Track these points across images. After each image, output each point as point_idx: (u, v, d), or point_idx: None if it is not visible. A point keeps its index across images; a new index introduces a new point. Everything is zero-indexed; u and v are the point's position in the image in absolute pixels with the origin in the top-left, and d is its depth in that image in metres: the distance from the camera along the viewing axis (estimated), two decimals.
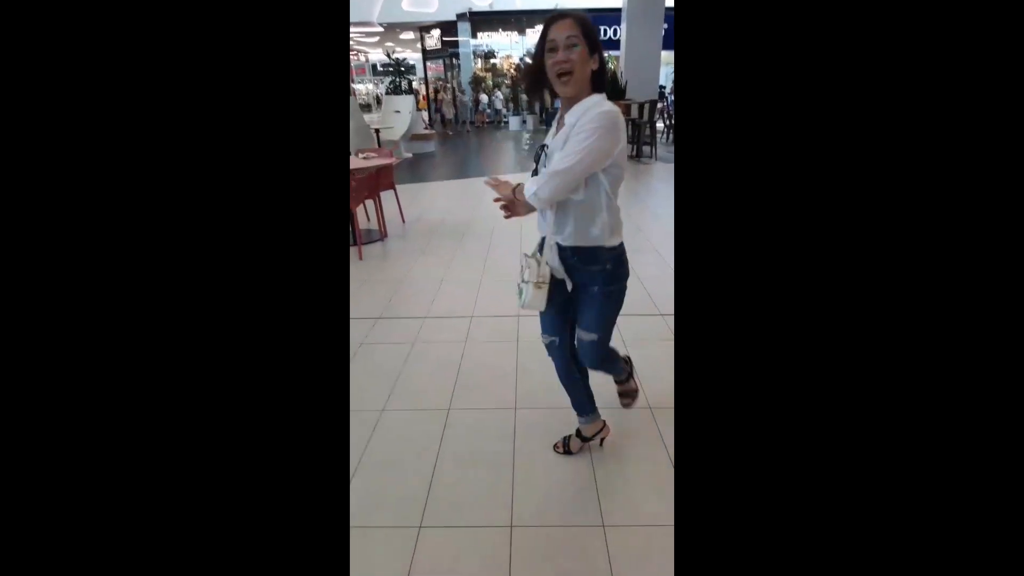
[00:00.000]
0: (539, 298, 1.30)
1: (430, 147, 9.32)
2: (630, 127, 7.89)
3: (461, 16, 14.96)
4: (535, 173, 1.22)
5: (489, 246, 3.81)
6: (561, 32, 1.10)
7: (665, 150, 8.22)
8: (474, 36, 15.67)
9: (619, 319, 1.36)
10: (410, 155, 8.64)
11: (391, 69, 12.44)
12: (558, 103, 1.26)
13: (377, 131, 7.92)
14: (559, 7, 13.65)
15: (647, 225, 4.23)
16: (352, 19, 14.65)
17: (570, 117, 1.15)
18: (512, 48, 16.00)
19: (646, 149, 7.57)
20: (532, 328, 2.35)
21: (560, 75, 1.11)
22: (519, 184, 1.27)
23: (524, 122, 13.81)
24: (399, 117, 8.56)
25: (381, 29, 15.82)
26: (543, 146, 1.23)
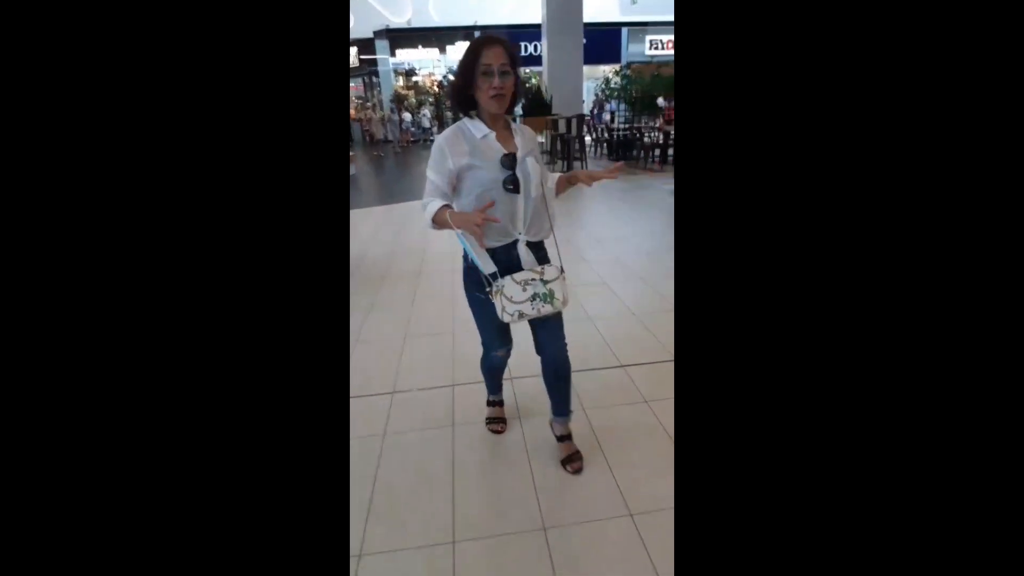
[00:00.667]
0: (565, 285, 1.39)
1: (350, 170, 8.68)
2: (558, 142, 7.75)
3: (379, 33, 14.43)
4: (514, 184, 1.28)
5: (416, 289, 3.31)
6: (496, 60, 1.21)
7: (595, 164, 8.12)
8: (392, 54, 15.16)
9: (575, 376, 1.47)
10: None
11: None
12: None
13: None
14: (478, 24, 13.85)
15: (591, 253, 3.88)
16: None
17: (518, 133, 1.35)
18: (433, 66, 15.62)
19: (576, 165, 7.41)
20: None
21: (495, 98, 1.24)
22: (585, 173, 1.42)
23: None
24: None
25: None
26: (512, 156, 1.29)
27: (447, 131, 1.31)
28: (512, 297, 1.33)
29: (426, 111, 14.48)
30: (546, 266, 1.38)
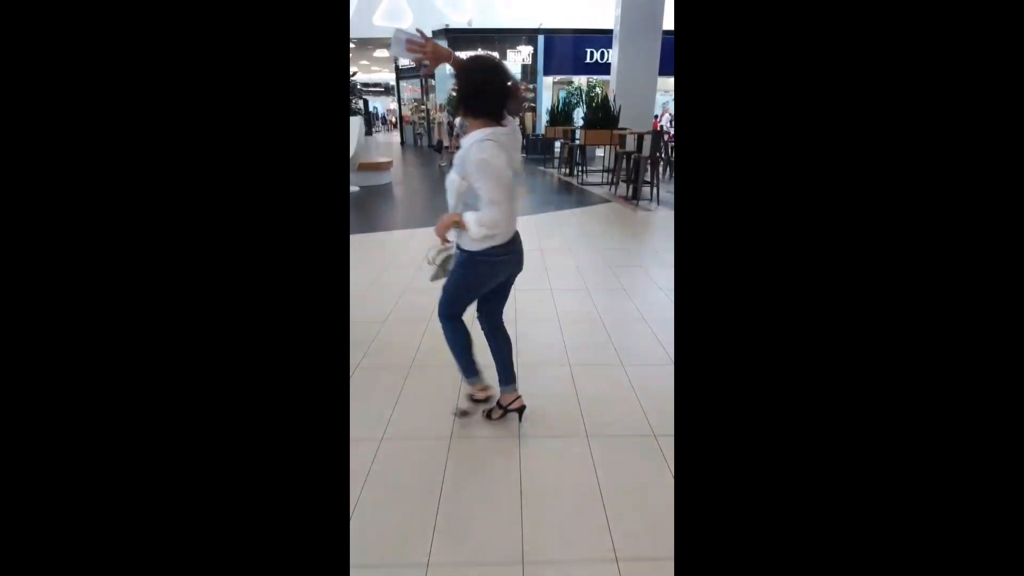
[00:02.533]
0: (434, 272, 1.65)
1: (385, 178, 7.77)
2: (624, 160, 6.57)
3: (437, 33, 13.72)
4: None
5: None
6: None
7: (667, 191, 6.82)
8: None
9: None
10: (356, 188, 7.09)
11: None
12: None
13: None
14: (543, 27, 13.03)
15: (648, 308, 2.77)
16: None
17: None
18: None
19: (645, 191, 6.18)
20: None
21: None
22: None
23: None
24: None
25: (352, 45, 14.57)
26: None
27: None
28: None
29: None
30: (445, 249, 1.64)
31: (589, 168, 8.28)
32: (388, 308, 2.87)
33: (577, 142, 8.21)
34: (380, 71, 20.51)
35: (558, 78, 13.72)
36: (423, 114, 15.66)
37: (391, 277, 3.42)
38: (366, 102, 10.48)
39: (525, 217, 5.41)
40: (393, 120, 15.85)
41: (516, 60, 13.54)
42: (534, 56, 13.40)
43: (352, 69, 9.22)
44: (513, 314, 2.76)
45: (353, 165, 6.91)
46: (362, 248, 4.18)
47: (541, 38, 13.13)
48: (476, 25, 13.18)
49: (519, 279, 1.72)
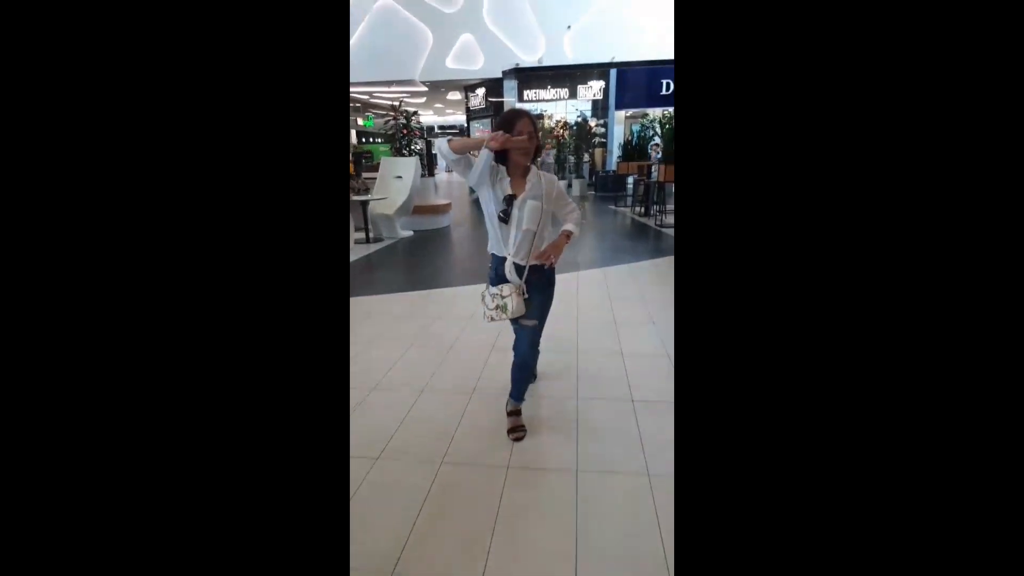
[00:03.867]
0: (521, 303, 1.81)
1: (443, 221, 7.32)
2: None
3: (507, 73, 13.62)
4: (505, 217, 1.76)
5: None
6: (524, 127, 1.71)
7: None
8: (520, 95, 14.25)
9: None
10: (410, 233, 6.67)
11: (391, 120, 8.30)
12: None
13: (364, 204, 6.02)
14: (615, 61, 12.49)
15: None
16: (394, 78, 13.78)
17: (532, 180, 1.79)
18: (566, 111, 14.28)
19: None
20: None
21: (526, 154, 1.75)
22: (568, 232, 1.85)
23: (570, 186, 11.84)
24: (398, 185, 6.51)
25: (425, 88, 14.88)
26: (511, 197, 1.75)
27: (489, 157, 1.67)
28: (487, 305, 1.85)
29: (550, 154, 13.16)
30: (505, 285, 1.82)
31: (668, 208, 7.27)
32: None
33: (655, 179, 7.33)
34: (454, 113, 21.03)
35: (631, 112, 13.00)
36: None
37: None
38: (428, 143, 10.25)
39: (590, 270, 4.58)
40: None
41: (587, 96, 13.01)
42: (605, 90, 12.80)
43: (412, 109, 9.01)
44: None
45: (408, 208, 6.52)
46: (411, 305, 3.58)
47: (613, 72, 12.54)
48: (546, 63, 12.90)
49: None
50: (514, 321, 1.90)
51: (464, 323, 3.26)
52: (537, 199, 1.75)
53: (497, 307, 1.81)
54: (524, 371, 1.98)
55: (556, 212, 1.86)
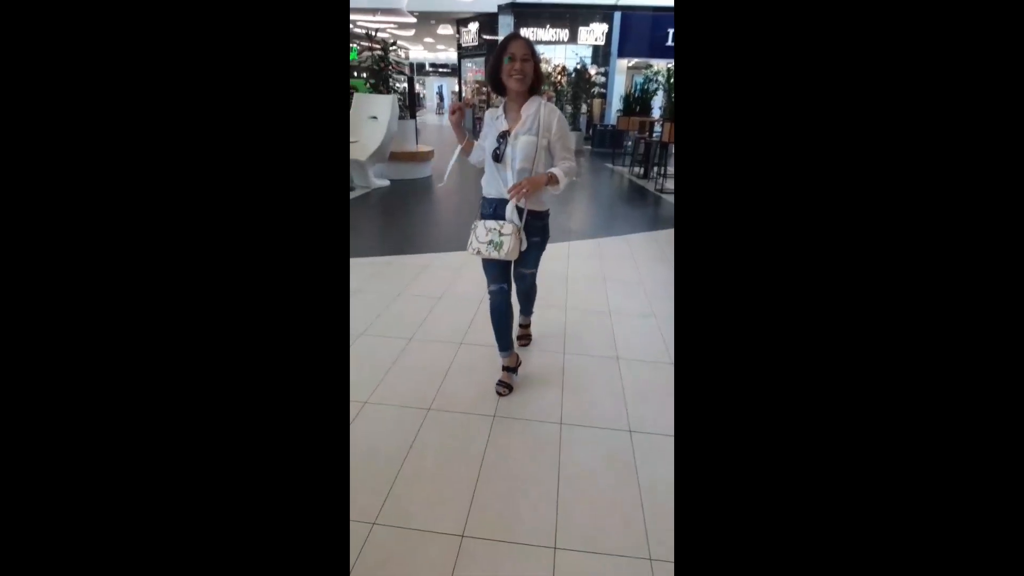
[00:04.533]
0: (516, 248, 1.71)
1: (423, 170, 6.66)
2: None
3: (503, 8, 12.41)
4: (498, 155, 1.68)
5: None
6: (519, 50, 1.60)
7: None
8: (517, 32, 13.08)
9: None
10: (386, 183, 6.03)
11: (368, 52, 6.76)
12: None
13: None
14: (619, 4, 11.38)
15: None
16: (379, 5, 12.41)
17: (530, 111, 1.67)
18: (565, 56, 13.12)
19: None
20: None
21: (515, 78, 1.61)
22: (551, 174, 1.66)
23: None
24: (372, 127, 5.71)
25: (414, 19, 13.54)
26: (505, 133, 1.67)
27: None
28: (478, 236, 1.74)
29: None
30: (505, 223, 1.70)
31: (670, 172, 6.59)
32: None
33: (656, 137, 6.73)
34: (446, 50, 19.47)
35: (634, 61, 12.06)
36: (484, 97, 14.48)
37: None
38: (411, 80, 9.18)
39: (579, 241, 4.10)
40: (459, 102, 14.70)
41: (587, 40, 11.96)
42: (608, 36, 11.76)
43: (390, 39, 8.01)
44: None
45: (384, 154, 5.85)
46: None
47: (617, 15, 11.48)
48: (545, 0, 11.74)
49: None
50: (498, 265, 1.82)
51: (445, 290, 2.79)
52: (532, 133, 1.65)
53: (491, 242, 1.71)
54: (503, 318, 1.92)
55: (554, 151, 1.72)
